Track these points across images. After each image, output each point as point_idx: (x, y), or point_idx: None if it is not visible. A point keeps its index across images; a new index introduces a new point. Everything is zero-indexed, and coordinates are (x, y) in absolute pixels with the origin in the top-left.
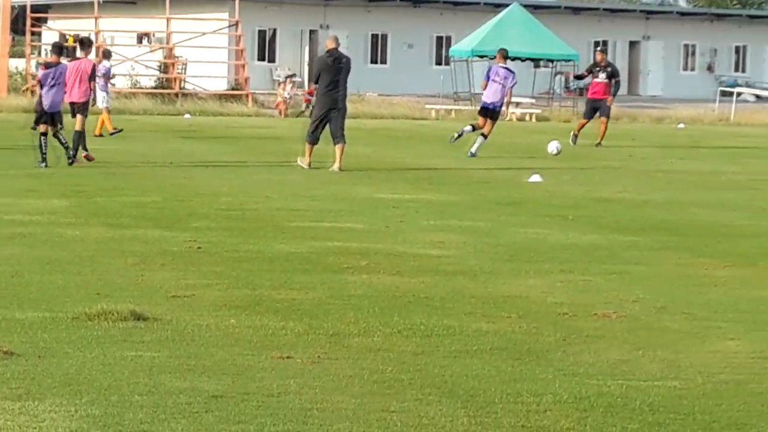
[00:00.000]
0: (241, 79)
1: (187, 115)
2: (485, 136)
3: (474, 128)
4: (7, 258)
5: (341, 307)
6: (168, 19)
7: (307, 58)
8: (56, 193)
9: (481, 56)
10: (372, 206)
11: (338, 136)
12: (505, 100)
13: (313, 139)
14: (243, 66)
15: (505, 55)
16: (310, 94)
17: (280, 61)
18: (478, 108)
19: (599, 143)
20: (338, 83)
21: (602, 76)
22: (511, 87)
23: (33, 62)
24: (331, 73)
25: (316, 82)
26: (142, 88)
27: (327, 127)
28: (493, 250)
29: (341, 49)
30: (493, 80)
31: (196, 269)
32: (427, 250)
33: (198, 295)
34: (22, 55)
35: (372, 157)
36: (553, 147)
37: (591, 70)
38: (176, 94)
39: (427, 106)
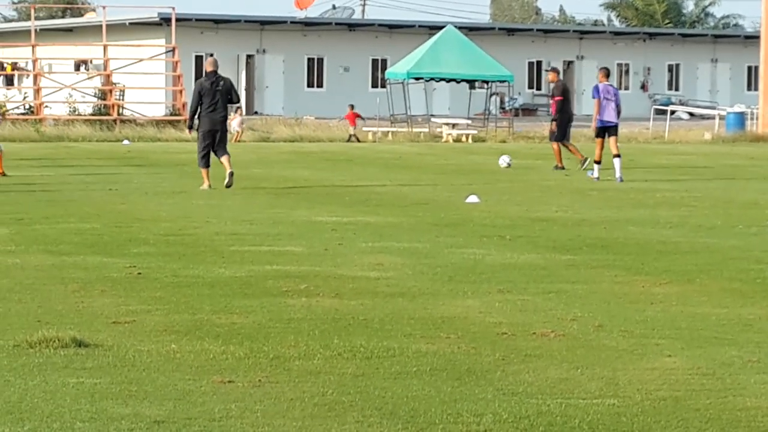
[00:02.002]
0: (178, 104)
1: (125, 141)
2: (618, 156)
3: (586, 161)
4: None
5: (281, 330)
6: (105, 46)
7: (244, 83)
8: None
9: (417, 78)
10: (310, 229)
11: (222, 151)
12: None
13: (206, 163)
14: (181, 91)
15: (607, 74)
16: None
17: None
18: (595, 129)
19: (559, 166)
20: (218, 105)
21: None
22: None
23: None
24: (211, 95)
25: (197, 106)
26: (80, 115)
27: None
28: (432, 271)
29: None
30: (606, 99)
31: (137, 295)
32: (366, 273)
33: (139, 320)
34: None
35: (310, 180)
36: (503, 161)
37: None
38: (114, 121)
39: (364, 129)
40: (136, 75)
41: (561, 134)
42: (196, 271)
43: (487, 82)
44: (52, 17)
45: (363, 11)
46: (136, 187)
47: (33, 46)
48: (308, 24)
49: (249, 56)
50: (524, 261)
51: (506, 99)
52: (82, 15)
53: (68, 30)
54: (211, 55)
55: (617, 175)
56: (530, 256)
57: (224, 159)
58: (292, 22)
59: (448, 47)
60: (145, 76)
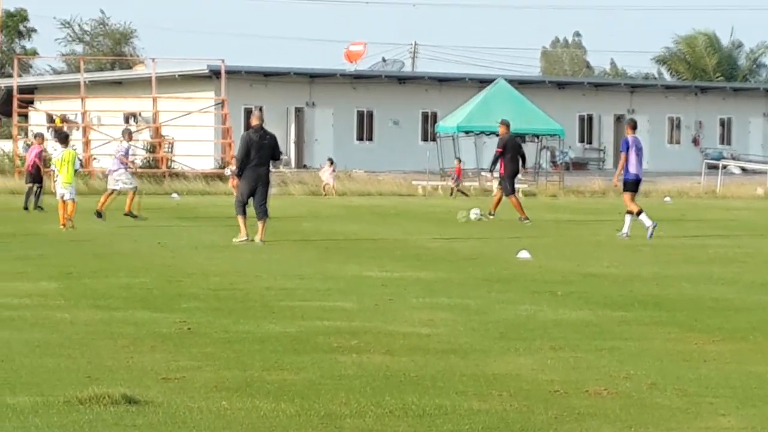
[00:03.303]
0: (228, 157)
1: (174, 195)
2: (632, 213)
3: (639, 213)
4: None
5: (333, 387)
6: (154, 99)
7: (293, 136)
8: (45, 276)
9: (467, 132)
10: (361, 285)
11: (261, 213)
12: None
13: (243, 211)
14: (230, 144)
15: (634, 126)
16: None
17: None
18: (619, 182)
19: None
20: (263, 159)
21: None
22: None
23: (20, 144)
24: (257, 148)
25: (245, 158)
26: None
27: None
28: (483, 327)
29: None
30: (637, 153)
31: (187, 351)
32: (417, 329)
33: (189, 377)
34: (9, 137)
35: (360, 234)
36: (473, 214)
37: None
38: (163, 174)
39: (414, 183)
40: (185, 128)
41: (512, 187)
42: (246, 327)
43: (537, 136)
44: (101, 69)
45: (413, 64)
46: (185, 241)
47: (82, 99)
48: (358, 77)
49: (298, 109)
50: (576, 317)
51: (557, 153)
52: (131, 67)
53: (117, 82)
54: (260, 109)
55: (624, 231)
56: (582, 313)
57: (261, 224)
58: (341, 75)
59: (498, 101)
60: (194, 128)
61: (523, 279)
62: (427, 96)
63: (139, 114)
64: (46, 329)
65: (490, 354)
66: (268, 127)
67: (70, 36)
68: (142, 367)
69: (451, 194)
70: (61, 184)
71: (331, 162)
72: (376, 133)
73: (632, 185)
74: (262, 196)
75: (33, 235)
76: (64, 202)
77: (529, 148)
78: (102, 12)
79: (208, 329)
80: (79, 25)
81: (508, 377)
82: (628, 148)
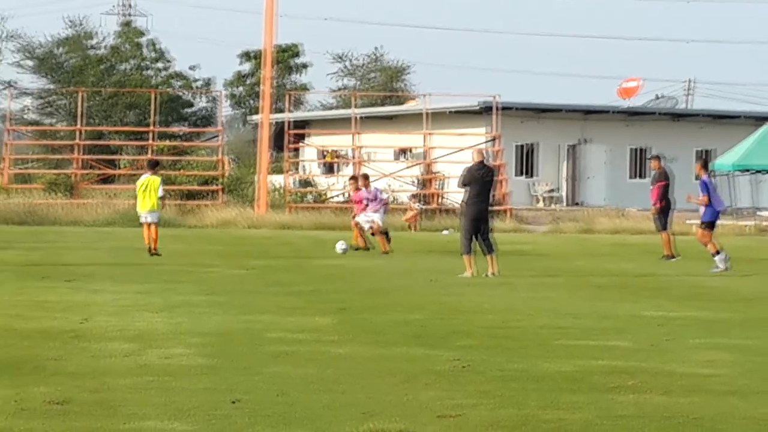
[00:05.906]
0: (500, 194)
1: (445, 231)
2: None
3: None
4: (273, 377)
5: (611, 427)
6: (426, 135)
7: (565, 173)
8: (319, 311)
9: (744, 170)
10: (637, 324)
11: (488, 247)
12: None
13: (469, 250)
14: (503, 181)
15: (705, 165)
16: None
17: (540, 175)
18: (703, 223)
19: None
20: (485, 194)
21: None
22: None
23: (291, 179)
24: (479, 184)
25: (464, 187)
26: (401, 204)
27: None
28: (764, 369)
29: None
30: (714, 192)
31: (462, 388)
32: (697, 369)
33: (465, 414)
34: (280, 171)
35: (635, 272)
36: (339, 246)
37: None
38: (435, 210)
39: (688, 222)
40: (457, 164)
41: (665, 223)
42: (521, 365)
43: None
44: (373, 105)
45: (687, 101)
46: (457, 278)
47: (354, 134)
48: (631, 113)
49: (571, 146)
50: None
51: None
52: (402, 103)
53: (389, 118)
54: (532, 145)
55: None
56: None
57: (491, 257)
58: (614, 112)
59: None
60: (465, 165)
61: None
62: (702, 133)
63: (410, 150)
64: (321, 364)
65: None
66: (542, 165)
67: (342, 71)
68: (418, 403)
69: None
70: (145, 208)
71: (419, 199)
72: (650, 171)
73: (712, 224)
74: (484, 231)
75: (305, 270)
76: (149, 225)
77: None
78: (377, 48)
79: (483, 367)
80: (350, 60)
81: None
82: (709, 190)
